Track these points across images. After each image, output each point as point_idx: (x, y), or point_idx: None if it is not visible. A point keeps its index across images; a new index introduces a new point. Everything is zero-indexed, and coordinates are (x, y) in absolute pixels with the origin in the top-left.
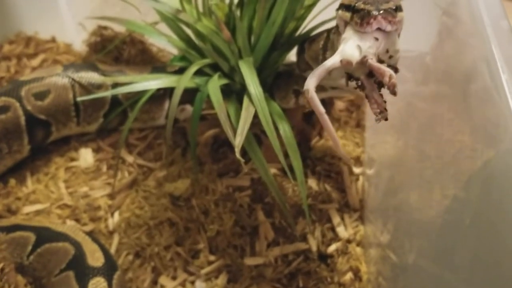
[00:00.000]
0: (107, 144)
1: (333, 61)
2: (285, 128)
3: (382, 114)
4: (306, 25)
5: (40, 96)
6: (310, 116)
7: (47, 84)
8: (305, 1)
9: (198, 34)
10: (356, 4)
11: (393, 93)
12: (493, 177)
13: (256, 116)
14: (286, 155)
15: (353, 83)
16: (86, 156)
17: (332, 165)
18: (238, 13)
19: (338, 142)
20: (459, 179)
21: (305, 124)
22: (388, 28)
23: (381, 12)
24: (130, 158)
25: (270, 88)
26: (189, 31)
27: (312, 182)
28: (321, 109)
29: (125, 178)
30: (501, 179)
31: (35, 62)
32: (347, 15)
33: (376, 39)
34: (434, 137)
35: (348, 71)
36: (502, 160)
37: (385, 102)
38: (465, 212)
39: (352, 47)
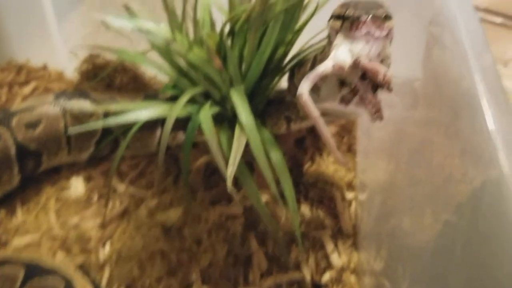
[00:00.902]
0: (98, 172)
1: (325, 66)
2: (277, 156)
3: (378, 114)
4: (300, 51)
5: (31, 125)
6: (302, 141)
7: (38, 114)
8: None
9: (189, 63)
10: (346, 12)
11: (389, 89)
12: (480, 209)
13: (248, 143)
14: (278, 182)
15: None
16: (77, 185)
17: (324, 191)
18: (229, 42)
19: (334, 145)
20: (450, 203)
21: (297, 149)
22: (377, 33)
23: (370, 17)
24: (121, 187)
25: (261, 115)
26: (180, 59)
27: (305, 209)
28: (315, 112)
29: (116, 207)
30: (487, 212)
31: (27, 90)
32: (338, 23)
33: (367, 42)
34: (425, 161)
35: (341, 77)
36: (488, 192)
37: (379, 102)
38: (456, 238)
39: (344, 52)
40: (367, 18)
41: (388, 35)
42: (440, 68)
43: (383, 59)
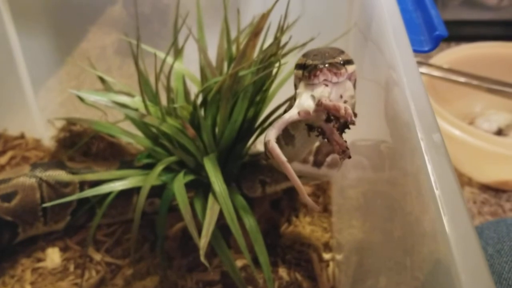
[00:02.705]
0: (74, 242)
1: (291, 113)
2: (250, 223)
3: (345, 153)
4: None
5: (7, 197)
6: (278, 203)
7: (14, 185)
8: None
9: (163, 133)
10: (306, 62)
11: (352, 122)
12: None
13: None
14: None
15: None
16: (53, 256)
17: (301, 253)
18: (202, 111)
19: (302, 190)
20: (428, 260)
21: (273, 211)
22: (334, 79)
23: (327, 65)
24: (97, 256)
25: (236, 178)
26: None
27: (283, 272)
28: (282, 158)
29: (93, 277)
30: None
31: (3, 159)
32: (300, 72)
33: (326, 85)
34: (400, 217)
35: (308, 122)
36: None
37: (345, 141)
38: None
39: (307, 98)
40: (323, 67)
41: (351, 78)
42: (398, 123)
43: (346, 100)
